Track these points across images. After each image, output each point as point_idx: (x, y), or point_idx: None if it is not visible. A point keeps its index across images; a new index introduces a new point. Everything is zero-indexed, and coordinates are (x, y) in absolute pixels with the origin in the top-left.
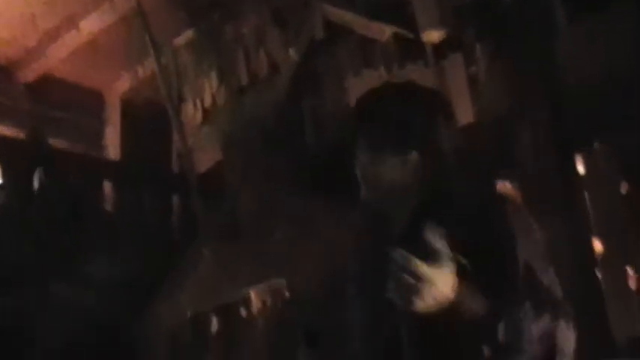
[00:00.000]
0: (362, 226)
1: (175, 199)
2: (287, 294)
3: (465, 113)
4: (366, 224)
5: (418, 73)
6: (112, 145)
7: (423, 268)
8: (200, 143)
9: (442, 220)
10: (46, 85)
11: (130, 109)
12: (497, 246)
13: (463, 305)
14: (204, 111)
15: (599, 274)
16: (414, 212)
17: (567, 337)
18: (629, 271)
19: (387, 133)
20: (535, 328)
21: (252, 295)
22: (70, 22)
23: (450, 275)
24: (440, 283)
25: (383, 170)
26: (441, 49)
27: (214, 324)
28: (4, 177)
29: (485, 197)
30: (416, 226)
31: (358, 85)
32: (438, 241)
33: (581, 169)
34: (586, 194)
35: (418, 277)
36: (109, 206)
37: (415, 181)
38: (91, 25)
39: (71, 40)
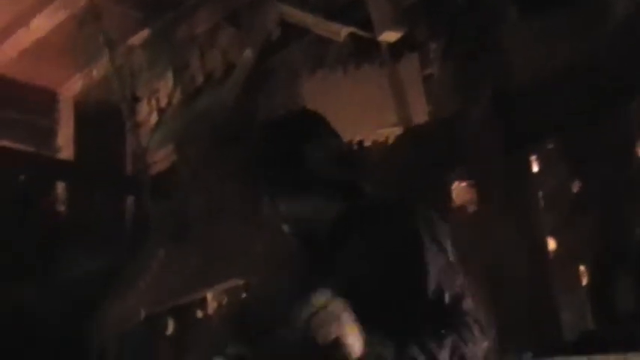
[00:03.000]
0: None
1: (129, 200)
2: (243, 294)
3: (419, 113)
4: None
5: (374, 74)
6: (66, 146)
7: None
8: (155, 143)
9: (362, 232)
10: None
11: (83, 108)
12: (410, 267)
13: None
14: (160, 111)
15: (551, 272)
16: (335, 225)
17: (475, 351)
18: (581, 268)
19: (284, 176)
20: (443, 353)
21: (209, 296)
22: (21, 21)
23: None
24: (357, 344)
25: (298, 209)
26: (396, 50)
27: (170, 326)
28: None
29: (398, 213)
30: (337, 237)
31: (313, 85)
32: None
33: (534, 167)
34: (539, 193)
35: (339, 324)
36: (61, 207)
37: (330, 208)
38: (41, 23)
39: (22, 38)
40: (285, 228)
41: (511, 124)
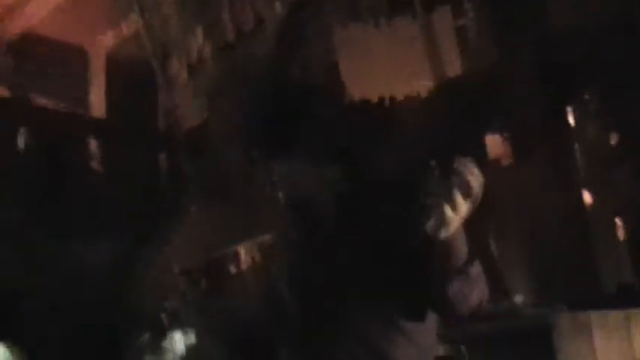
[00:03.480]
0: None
1: (162, 156)
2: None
3: (452, 66)
4: (291, 220)
5: (406, 27)
6: (98, 103)
7: (460, 201)
8: (186, 99)
9: (370, 204)
10: (28, 42)
11: (115, 66)
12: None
13: (454, 245)
14: (190, 67)
15: (588, 225)
16: (343, 199)
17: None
18: (618, 221)
19: (279, 137)
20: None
21: (241, 251)
22: None
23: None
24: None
25: (302, 180)
26: (429, 1)
27: (204, 282)
28: None
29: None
30: (348, 211)
31: (345, 38)
32: (470, 174)
33: (571, 120)
34: (576, 145)
35: (455, 209)
36: (95, 164)
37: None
38: None
39: None
40: (281, 198)
41: (548, 76)
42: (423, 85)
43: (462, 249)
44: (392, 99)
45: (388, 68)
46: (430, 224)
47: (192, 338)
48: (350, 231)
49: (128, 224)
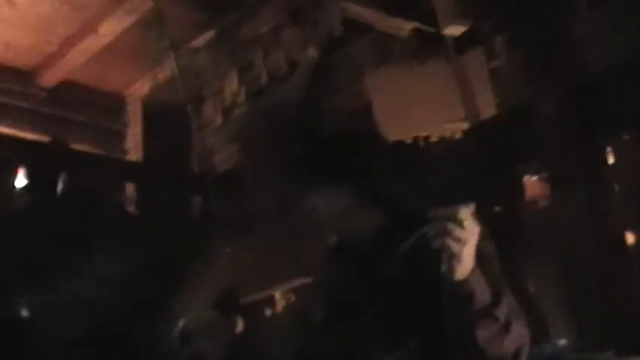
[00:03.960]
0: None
1: (196, 199)
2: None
3: (487, 107)
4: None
5: (439, 68)
6: (134, 147)
7: (463, 234)
8: (220, 143)
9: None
10: (67, 89)
11: (150, 110)
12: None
13: (473, 288)
14: (224, 111)
15: (631, 267)
16: (376, 234)
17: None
18: None
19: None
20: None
21: (277, 294)
22: (89, 27)
23: (473, 251)
24: (469, 255)
25: (350, 220)
26: (461, 43)
27: (240, 324)
28: (27, 181)
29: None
30: (380, 245)
31: (378, 81)
32: (468, 217)
33: (610, 159)
34: (615, 184)
35: (460, 242)
36: (131, 207)
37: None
38: (109, 28)
39: (90, 44)
40: (331, 240)
41: (584, 115)
42: (457, 127)
43: (482, 290)
44: (426, 140)
45: (421, 110)
46: (444, 262)
47: None
48: (387, 275)
49: (162, 267)
